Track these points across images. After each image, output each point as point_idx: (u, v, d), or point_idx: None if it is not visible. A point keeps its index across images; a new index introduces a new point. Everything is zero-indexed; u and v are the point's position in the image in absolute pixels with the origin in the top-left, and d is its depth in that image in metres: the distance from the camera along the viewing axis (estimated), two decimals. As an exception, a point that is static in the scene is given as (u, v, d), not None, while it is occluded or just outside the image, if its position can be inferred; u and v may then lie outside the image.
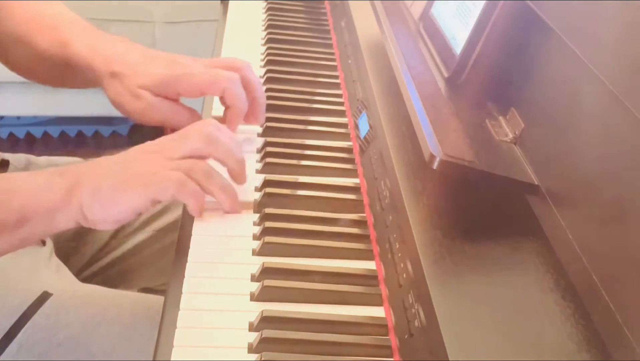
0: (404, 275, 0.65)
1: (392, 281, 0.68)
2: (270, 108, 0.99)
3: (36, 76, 1.02)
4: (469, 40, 0.81)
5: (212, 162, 0.77)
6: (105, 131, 2.59)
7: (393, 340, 0.64)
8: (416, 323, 0.60)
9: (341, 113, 1.00)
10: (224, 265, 0.72)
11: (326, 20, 1.31)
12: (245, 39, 1.20)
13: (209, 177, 0.75)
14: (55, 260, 0.98)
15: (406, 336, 0.61)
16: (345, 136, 0.95)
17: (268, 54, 1.15)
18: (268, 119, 0.96)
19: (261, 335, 0.62)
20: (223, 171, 0.78)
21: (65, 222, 0.74)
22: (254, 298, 0.68)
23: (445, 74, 0.84)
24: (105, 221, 0.74)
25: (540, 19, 0.73)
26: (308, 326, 0.65)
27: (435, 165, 0.64)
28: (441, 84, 0.83)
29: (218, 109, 0.92)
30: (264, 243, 0.73)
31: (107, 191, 0.73)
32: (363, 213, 0.80)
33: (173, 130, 0.82)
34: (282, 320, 0.65)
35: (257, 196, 0.82)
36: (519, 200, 0.67)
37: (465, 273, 0.62)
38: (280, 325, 0.64)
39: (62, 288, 0.89)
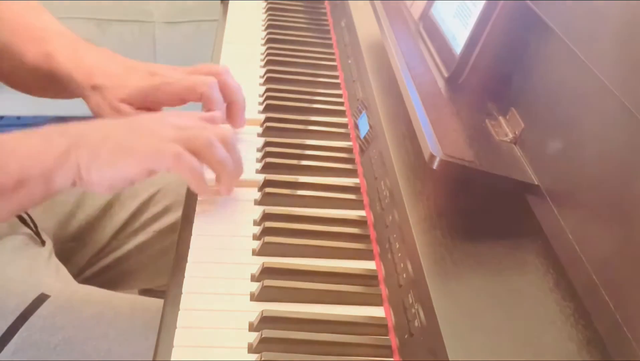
0: (404, 275, 0.65)
1: (392, 281, 0.68)
2: (270, 108, 0.99)
3: (21, 86, 1.02)
4: (469, 40, 0.81)
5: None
6: (105, 131, 2.58)
7: (393, 340, 0.64)
8: (416, 323, 0.60)
9: (341, 113, 1.00)
10: (224, 265, 0.72)
11: (326, 20, 1.31)
12: (245, 39, 1.20)
13: (209, 147, 0.75)
14: (55, 261, 0.98)
15: (406, 336, 0.61)
16: (345, 136, 0.95)
17: (268, 54, 1.15)
18: (268, 119, 0.96)
19: (261, 335, 0.62)
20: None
21: (62, 182, 0.73)
22: (254, 298, 0.68)
23: (445, 74, 0.84)
24: (100, 185, 0.74)
25: (540, 19, 0.73)
26: (308, 326, 0.65)
27: (435, 165, 0.64)
28: (441, 84, 0.83)
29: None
30: (264, 243, 0.73)
31: (106, 155, 0.73)
32: (363, 213, 0.80)
33: None
34: (282, 320, 0.65)
35: (257, 196, 0.82)
36: (519, 200, 0.67)
37: (465, 273, 0.62)
38: (280, 325, 0.64)
39: (59, 290, 0.89)
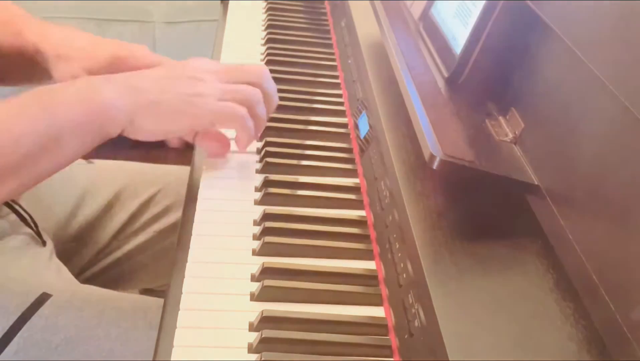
0: (404, 275, 0.65)
1: (392, 281, 0.68)
2: (270, 108, 0.99)
3: None
4: (469, 40, 0.81)
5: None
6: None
7: (393, 340, 0.64)
8: (416, 323, 0.60)
9: (341, 113, 1.00)
10: (224, 265, 0.72)
11: (326, 20, 1.31)
12: (245, 39, 1.20)
13: (258, 104, 0.82)
14: (56, 261, 0.98)
15: (406, 336, 0.61)
16: (345, 136, 0.95)
17: (268, 54, 1.15)
18: (268, 119, 0.96)
19: (261, 335, 0.62)
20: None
21: (114, 127, 0.75)
22: (254, 298, 0.68)
23: (445, 74, 0.84)
24: (154, 133, 0.77)
25: (540, 19, 0.73)
26: (308, 326, 0.65)
27: (435, 165, 0.64)
28: (441, 84, 0.83)
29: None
30: (264, 243, 0.73)
31: (167, 105, 0.76)
32: (363, 213, 0.80)
33: (175, 143, 0.84)
34: (282, 320, 0.65)
35: (257, 196, 0.82)
36: (519, 200, 0.67)
37: (465, 273, 0.62)
38: (280, 325, 0.64)
39: (61, 290, 0.89)
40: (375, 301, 0.69)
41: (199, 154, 0.89)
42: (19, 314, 0.84)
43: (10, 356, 0.82)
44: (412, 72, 0.81)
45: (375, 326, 0.66)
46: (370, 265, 0.73)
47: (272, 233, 0.75)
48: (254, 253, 0.73)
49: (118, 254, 1.09)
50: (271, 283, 0.68)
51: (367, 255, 0.74)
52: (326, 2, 1.37)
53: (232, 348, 0.62)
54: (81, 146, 0.75)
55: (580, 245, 0.58)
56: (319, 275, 0.70)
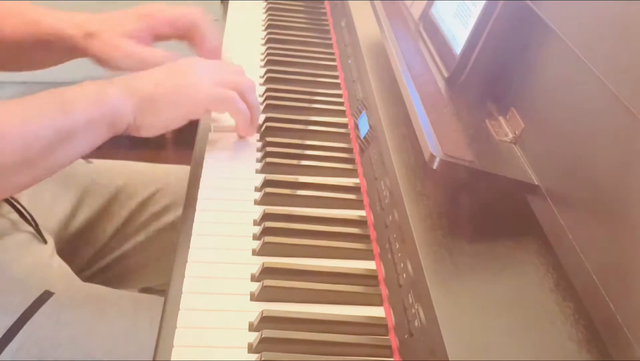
0: (404, 275, 0.65)
1: (392, 281, 0.68)
2: (270, 108, 0.99)
3: (3, 66, 1.05)
4: (469, 40, 0.81)
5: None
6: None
7: (393, 340, 0.64)
8: (416, 323, 0.60)
9: (341, 113, 1.00)
10: (224, 265, 0.72)
11: (326, 20, 1.31)
12: (245, 39, 1.20)
13: (252, 91, 0.86)
14: (57, 259, 0.98)
15: (406, 336, 0.61)
16: (345, 136, 0.95)
17: (268, 54, 1.15)
18: (268, 119, 0.96)
19: (261, 335, 0.62)
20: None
21: (121, 125, 0.80)
22: (254, 298, 0.68)
23: (445, 74, 0.84)
24: (154, 127, 0.82)
25: (540, 19, 0.73)
26: (308, 326, 0.65)
27: (435, 165, 0.64)
28: (441, 84, 0.83)
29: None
30: (264, 243, 0.73)
31: (161, 98, 0.80)
32: (363, 213, 0.80)
33: (174, 136, 0.85)
34: (282, 320, 0.65)
35: (257, 196, 0.82)
36: (519, 200, 0.67)
37: (465, 273, 0.62)
38: (280, 325, 0.64)
39: (63, 287, 0.89)
40: (375, 301, 0.69)
41: (199, 154, 0.89)
42: (21, 312, 0.84)
43: (13, 354, 0.83)
44: (412, 72, 0.81)
45: (375, 326, 0.66)
46: (370, 265, 0.73)
47: (272, 233, 0.75)
48: (254, 253, 0.73)
49: (117, 253, 1.09)
50: (271, 283, 0.68)
51: (367, 255, 0.74)
52: (326, 2, 1.37)
53: (232, 348, 0.62)
54: (92, 142, 0.79)
55: (580, 245, 0.58)
56: (319, 275, 0.70)
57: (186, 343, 0.62)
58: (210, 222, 0.77)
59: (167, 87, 0.81)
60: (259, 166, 0.87)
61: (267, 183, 0.83)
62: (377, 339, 0.65)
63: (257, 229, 0.76)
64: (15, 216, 0.96)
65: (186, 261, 0.71)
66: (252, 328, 0.64)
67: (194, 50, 1.00)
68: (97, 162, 1.14)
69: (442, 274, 0.61)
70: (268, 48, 1.17)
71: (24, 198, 0.98)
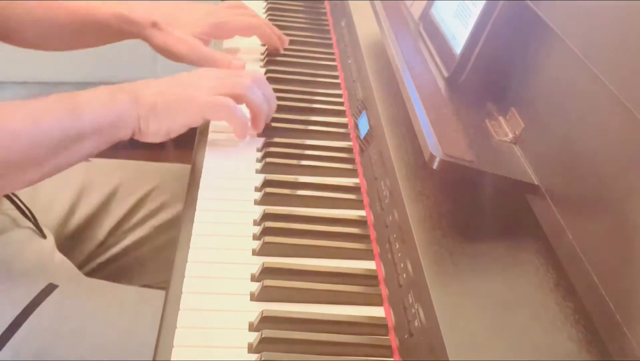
0: (404, 275, 0.65)
1: (392, 281, 0.68)
2: (270, 108, 0.99)
3: (52, 46, 1.16)
4: (469, 40, 0.81)
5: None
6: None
7: (393, 340, 0.64)
8: (416, 323, 0.60)
9: (341, 113, 1.00)
10: (224, 265, 0.72)
11: (326, 20, 1.31)
12: (245, 39, 1.20)
13: (250, 91, 0.88)
14: (59, 254, 0.99)
15: (406, 336, 0.61)
16: (345, 136, 0.95)
17: (268, 54, 1.15)
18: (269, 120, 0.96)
19: (261, 335, 0.62)
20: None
21: (125, 132, 0.83)
22: (254, 298, 0.68)
23: (445, 74, 0.84)
24: (157, 134, 0.84)
25: (540, 19, 0.73)
26: (308, 326, 0.65)
27: (435, 165, 0.64)
28: (441, 84, 0.83)
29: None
30: (264, 243, 0.73)
31: (163, 107, 0.83)
32: (363, 213, 0.80)
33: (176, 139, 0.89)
34: (282, 320, 0.65)
35: (257, 196, 0.82)
36: (519, 200, 0.67)
37: (465, 273, 0.62)
38: (280, 325, 0.64)
39: (66, 281, 0.90)
40: (375, 301, 0.69)
41: (199, 154, 0.89)
42: (26, 303, 0.85)
43: (18, 345, 0.83)
44: (412, 72, 0.81)
45: (375, 326, 0.66)
46: (370, 265, 0.73)
47: (272, 233, 0.75)
48: (254, 253, 0.73)
49: (115, 250, 1.09)
50: (271, 283, 0.68)
51: (367, 255, 0.74)
52: (326, 2, 1.37)
53: (232, 348, 0.62)
54: (98, 145, 0.82)
55: (580, 245, 0.58)
56: (319, 275, 0.70)
57: (186, 343, 0.62)
58: (210, 222, 0.77)
59: (167, 96, 0.84)
60: (259, 166, 0.87)
61: (267, 183, 0.83)
62: (377, 339, 0.65)
63: (257, 229, 0.76)
64: (15, 213, 0.97)
65: (186, 261, 0.71)
66: (252, 328, 0.64)
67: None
68: (95, 160, 1.15)
69: (442, 274, 0.61)
70: (268, 49, 1.17)
71: (24, 196, 0.99)
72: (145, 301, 0.89)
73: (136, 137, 0.84)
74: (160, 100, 0.84)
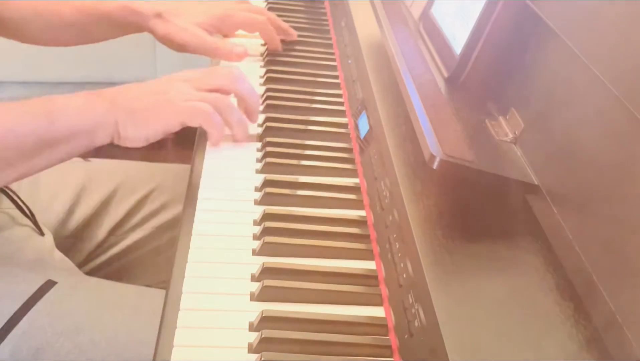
0: (404, 275, 0.65)
1: (392, 281, 0.68)
2: (270, 108, 0.99)
3: (56, 41, 1.16)
4: (469, 40, 0.81)
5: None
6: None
7: (393, 340, 0.64)
8: (416, 323, 0.60)
9: (341, 113, 1.00)
10: (224, 265, 0.72)
11: (326, 20, 1.31)
12: (245, 39, 1.20)
13: (231, 111, 0.88)
14: (58, 253, 1.00)
15: (406, 336, 0.61)
16: (345, 136, 0.95)
17: (268, 54, 1.15)
18: (268, 119, 0.96)
19: (261, 335, 0.62)
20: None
21: (103, 138, 0.83)
22: (254, 298, 0.68)
23: (445, 74, 0.84)
24: (137, 139, 0.84)
25: (540, 19, 0.73)
26: (308, 326, 0.65)
27: (435, 165, 0.64)
28: (441, 84, 0.83)
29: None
30: (264, 243, 0.73)
31: (141, 112, 0.83)
32: (363, 213, 0.80)
33: (174, 136, 0.87)
34: (282, 320, 0.65)
35: (257, 196, 0.82)
36: (519, 200, 0.67)
37: (465, 273, 0.62)
38: (280, 325, 0.64)
39: (66, 278, 0.90)
40: (375, 301, 0.69)
41: (199, 154, 0.89)
42: (25, 299, 0.85)
43: (17, 340, 0.83)
44: (412, 72, 0.81)
45: (375, 326, 0.66)
46: (370, 265, 0.73)
47: (272, 233, 0.75)
48: (254, 253, 0.73)
49: (115, 250, 1.10)
50: (271, 283, 0.68)
51: (367, 255, 0.74)
52: (326, 2, 1.37)
53: (232, 348, 0.62)
54: (73, 151, 0.83)
55: (580, 245, 0.58)
56: (319, 275, 0.70)
57: (186, 343, 0.62)
58: (210, 222, 0.77)
59: (145, 102, 0.84)
60: (259, 166, 0.87)
61: (267, 183, 0.83)
62: (377, 339, 0.65)
63: (257, 229, 0.76)
64: (14, 211, 0.97)
65: (186, 261, 0.71)
66: (252, 328, 0.64)
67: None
68: (95, 161, 1.15)
69: (442, 274, 0.61)
70: (268, 48, 1.17)
71: (24, 195, 0.99)
72: (144, 298, 0.89)
73: (116, 142, 0.84)
74: (138, 105, 0.83)
